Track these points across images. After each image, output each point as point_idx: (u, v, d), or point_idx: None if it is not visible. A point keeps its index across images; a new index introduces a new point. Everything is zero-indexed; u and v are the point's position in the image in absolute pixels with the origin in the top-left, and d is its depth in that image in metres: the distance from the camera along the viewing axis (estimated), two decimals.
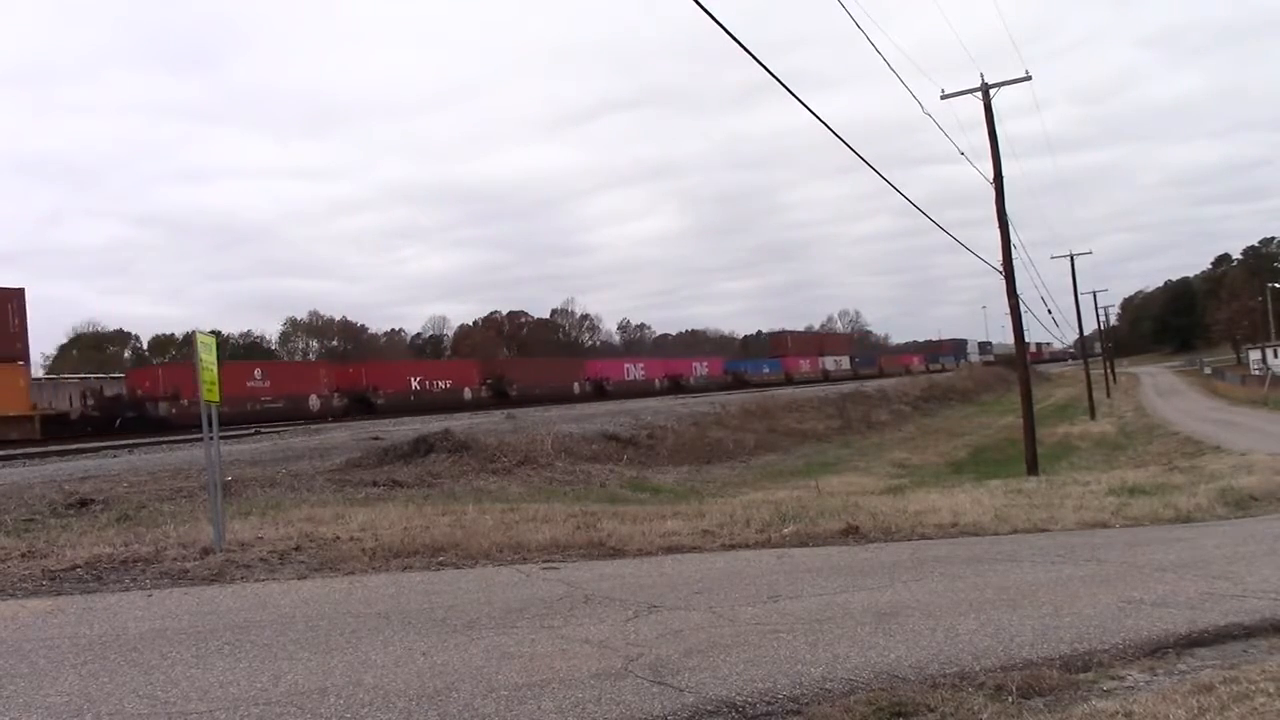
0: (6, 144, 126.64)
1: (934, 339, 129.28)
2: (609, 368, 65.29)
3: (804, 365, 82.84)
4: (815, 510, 10.99)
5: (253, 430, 31.99)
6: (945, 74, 74.65)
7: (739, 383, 71.27)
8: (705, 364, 75.06)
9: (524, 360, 75.38)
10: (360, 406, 44.31)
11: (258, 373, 42.39)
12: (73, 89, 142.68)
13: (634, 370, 66.17)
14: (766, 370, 78.65)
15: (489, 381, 52.68)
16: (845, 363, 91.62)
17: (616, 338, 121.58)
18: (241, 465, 17.81)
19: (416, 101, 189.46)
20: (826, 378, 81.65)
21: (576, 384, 58.42)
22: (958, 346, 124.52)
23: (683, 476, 23.92)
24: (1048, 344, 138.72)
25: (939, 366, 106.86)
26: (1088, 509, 11.20)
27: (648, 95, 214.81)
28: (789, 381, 74.06)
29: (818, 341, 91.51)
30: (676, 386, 66.22)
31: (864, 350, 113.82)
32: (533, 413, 37.23)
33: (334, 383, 44.88)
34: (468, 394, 50.09)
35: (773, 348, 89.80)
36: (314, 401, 42.90)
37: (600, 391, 58.73)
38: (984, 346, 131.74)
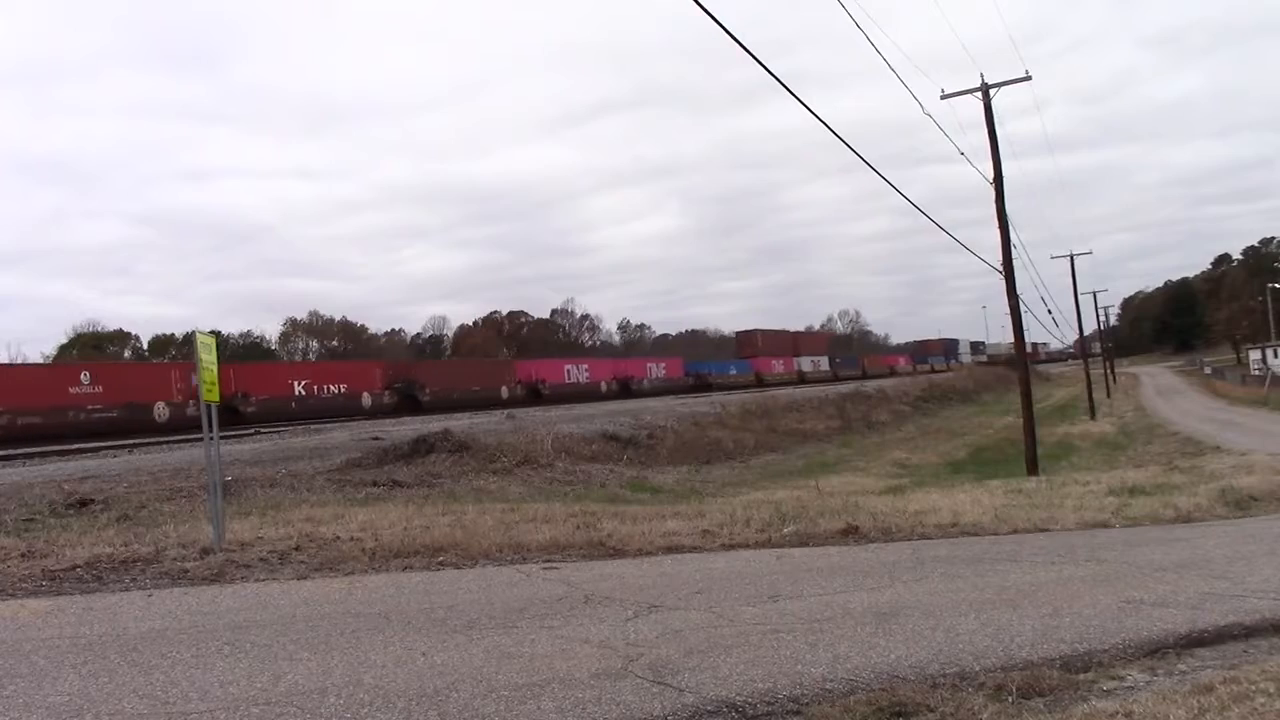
0: (7, 144, 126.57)
1: (920, 339, 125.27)
2: (545, 369, 58.94)
3: (777, 366, 77.50)
4: (815, 510, 10.98)
5: (253, 430, 31.97)
6: (945, 74, 74.78)
7: (701, 386, 66.31)
8: (662, 365, 69.65)
9: (438, 362, 69.66)
10: (224, 415, 36.62)
11: (85, 376, 34.76)
12: (73, 89, 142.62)
13: (576, 372, 59.92)
14: (733, 372, 73.43)
15: (396, 385, 46.81)
16: (824, 363, 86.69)
17: (616, 338, 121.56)
18: (241, 465, 17.82)
19: (417, 101, 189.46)
20: (802, 379, 76.75)
21: (505, 388, 52.34)
22: (948, 346, 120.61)
23: (683, 476, 23.92)
24: (1044, 344, 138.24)
25: (928, 367, 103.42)
26: (1088, 509, 11.19)
27: (648, 95, 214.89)
28: (759, 384, 68.99)
29: (792, 341, 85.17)
30: (626, 390, 60.63)
31: (845, 350, 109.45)
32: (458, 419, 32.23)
33: (189, 387, 36.58)
34: (366, 400, 43.95)
35: (741, 347, 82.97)
36: (161, 410, 36.90)
37: (534, 396, 53.24)
38: (977, 346, 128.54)
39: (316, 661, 5.02)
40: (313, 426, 34.38)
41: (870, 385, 59.51)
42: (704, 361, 78.62)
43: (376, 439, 23.02)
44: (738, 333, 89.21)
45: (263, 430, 32.03)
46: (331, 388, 43.59)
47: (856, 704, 4.20)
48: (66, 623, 6.08)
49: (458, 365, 58.62)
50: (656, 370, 67.58)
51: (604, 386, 59.77)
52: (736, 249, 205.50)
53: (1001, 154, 23.33)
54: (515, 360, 66.10)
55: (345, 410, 42.06)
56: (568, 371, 59.45)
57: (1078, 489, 13.71)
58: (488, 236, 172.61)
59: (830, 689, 4.42)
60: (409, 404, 45.70)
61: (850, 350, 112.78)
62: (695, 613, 5.99)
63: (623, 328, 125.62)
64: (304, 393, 41.51)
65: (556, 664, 4.87)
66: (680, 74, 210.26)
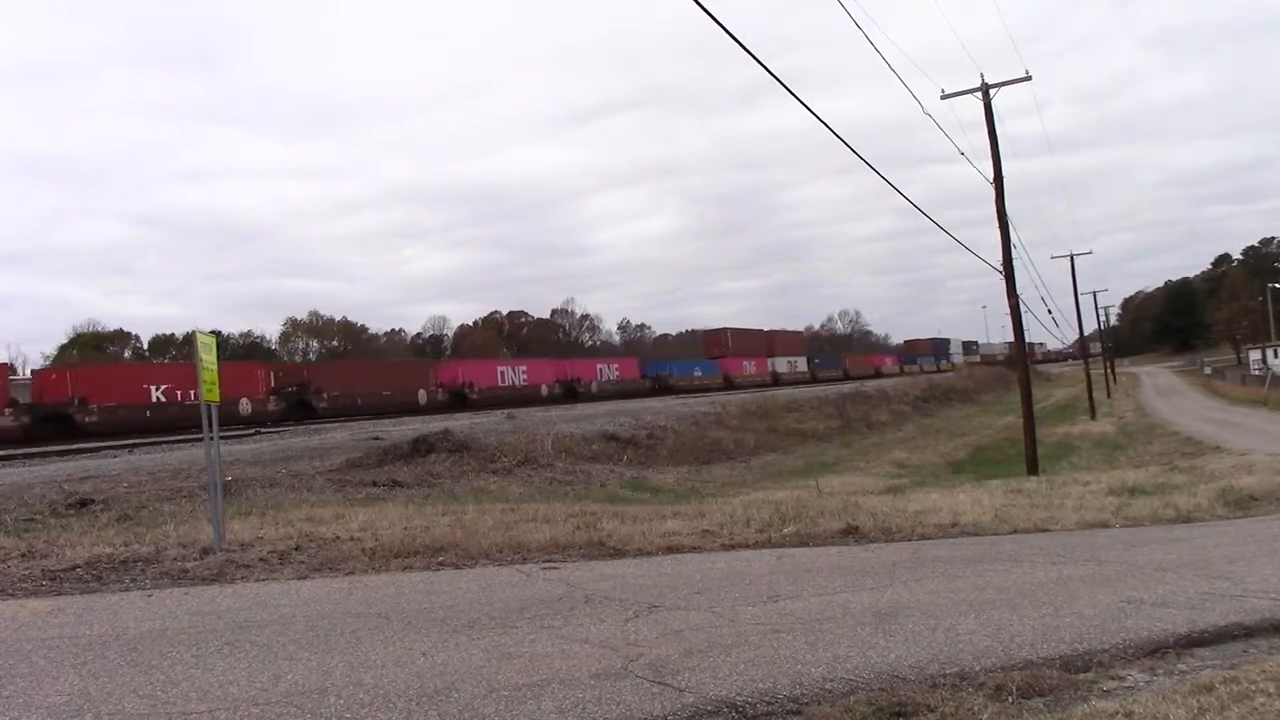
0: (8, 144, 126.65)
1: (916, 338, 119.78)
2: (473, 370, 53.20)
3: (748, 367, 72.58)
4: (815, 510, 10.98)
5: (253, 430, 31.95)
6: (945, 74, 74.74)
7: (660, 389, 61.26)
8: (614, 366, 63.86)
9: (339, 363, 63.75)
10: (56, 426, 31.85)
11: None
12: (74, 89, 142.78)
13: (511, 374, 54.55)
14: (698, 373, 67.97)
15: (287, 390, 41.06)
16: (801, 364, 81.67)
17: (617, 338, 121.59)
18: (241, 465, 17.81)
19: (418, 101, 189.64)
20: (776, 381, 71.71)
21: (423, 392, 47.14)
22: (939, 346, 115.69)
23: (683, 476, 23.92)
24: (1040, 344, 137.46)
25: (916, 368, 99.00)
26: (1088, 509, 11.19)
27: (649, 95, 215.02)
28: (728, 386, 65.08)
29: (766, 340, 79.46)
30: (571, 394, 55.49)
31: (824, 350, 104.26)
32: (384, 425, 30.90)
33: (5, 391, 33.44)
34: (245, 407, 37.93)
35: (709, 347, 77.10)
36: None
37: (460, 401, 48.09)
38: (969, 346, 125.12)
39: (316, 661, 5.02)
40: (312, 426, 34.30)
41: (870, 385, 59.49)
42: (666, 362, 73.53)
43: (377, 439, 23.03)
44: (705, 332, 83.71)
45: (262, 432, 31.95)
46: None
47: (856, 704, 4.20)
48: (66, 623, 6.08)
49: (364, 368, 53.15)
50: (608, 372, 62.13)
51: (545, 390, 54.65)
52: (737, 249, 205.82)
53: (1001, 154, 23.35)
54: (437, 361, 60.24)
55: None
56: (501, 374, 54.19)
57: (1078, 489, 13.71)
58: (488, 236, 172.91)
59: (830, 689, 4.42)
60: (300, 411, 40.34)
61: (834, 350, 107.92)
62: (695, 613, 5.99)
63: (623, 328, 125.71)
64: (164, 399, 35.96)
65: (556, 664, 4.87)
66: (681, 74, 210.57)
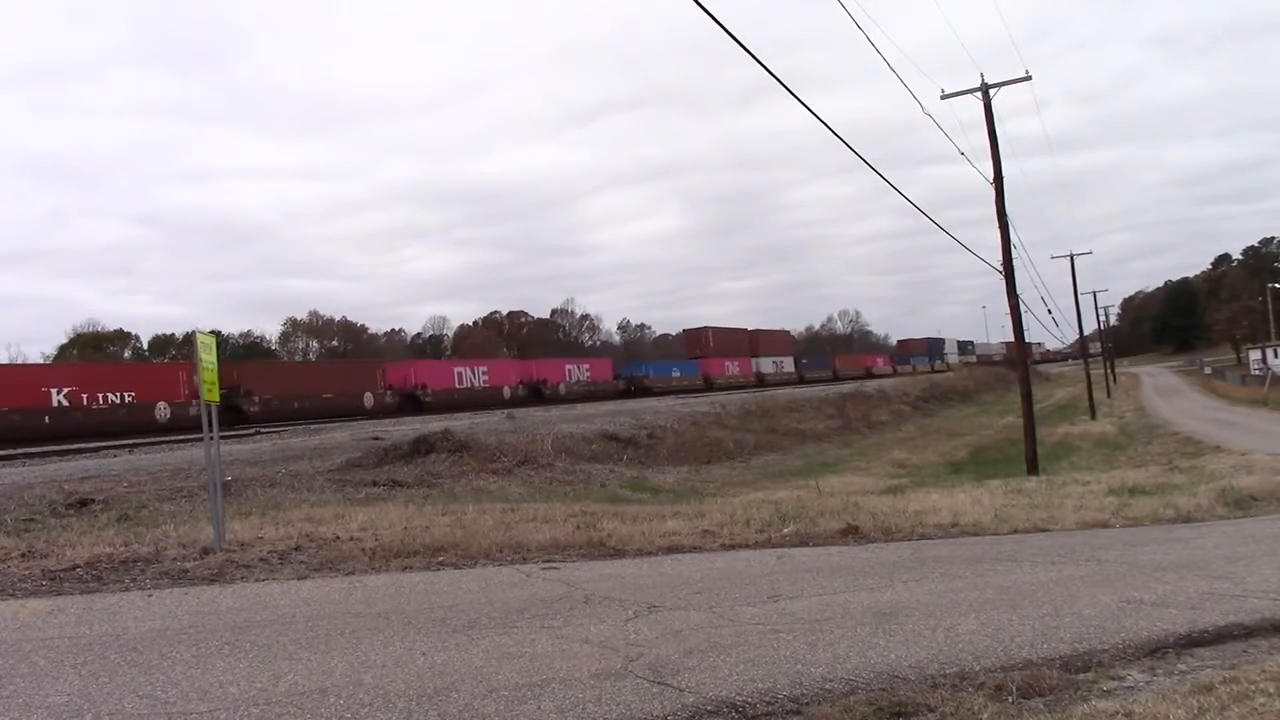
0: (9, 144, 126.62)
1: (915, 338, 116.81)
2: (427, 372, 50.12)
3: (730, 368, 70.26)
4: (815, 510, 10.98)
5: (253, 430, 31.94)
6: (945, 74, 74.79)
7: (636, 390, 59.16)
8: (585, 367, 60.91)
9: (275, 363, 59.77)
10: None
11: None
12: (75, 89, 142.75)
13: (469, 375, 51.20)
14: (677, 374, 65.50)
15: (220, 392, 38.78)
16: (788, 365, 79.29)
17: (617, 338, 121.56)
18: (241, 465, 17.81)
19: (418, 101, 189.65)
20: (761, 382, 69.64)
21: (369, 395, 43.75)
22: (933, 346, 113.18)
23: (683, 476, 23.93)
24: (1038, 344, 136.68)
25: (910, 369, 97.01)
26: (1088, 509, 11.19)
27: (649, 95, 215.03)
28: (708, 387, 62.94)
29: (750, 340, 76.54)
30: (537, 396, 53.00)
31: (812, 351, 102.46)
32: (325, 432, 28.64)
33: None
34: (162, 412, 34.85)
35: (689, 347, 74.25)
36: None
37: (412, 404, 45.62)
38: (965, 346, 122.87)
39: (316, 661, 5.02)
40: (312, 426, 34.32)
41: (870, 385, 59.48)
42: (642, 362, 71.15)
43: (377, 439, 23.03)
44: (685, 331, 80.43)
45: (262, 432, 31.95)
46: (112, 396, 34.27)
47: (856, 704, 4.19)
48: (66, 623, 6.08)
49: (301, 368, 49.88)
50: (577, 373, 58.98)
51: (507, 392, 51.61)
52: (737, 249, 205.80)
53: (1001, 154, 23.35)
54: (385, 361, 56.36)
55: (128, 427, 32.78)
56: (458, 375, 50.90)
57: (1078, 489, 13.71)
58: (488, 236, 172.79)
59: (830, 689, 4.42)
60: (227, 416, 34.67)
61: (832, 349, 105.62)
62: (695, 613, 5.99)
63: (623, 328, 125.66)
64: (66, 403, 32.74)
65: (556, 664, 4.87)
66: (681, 74, 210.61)
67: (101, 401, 34.23)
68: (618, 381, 61.61)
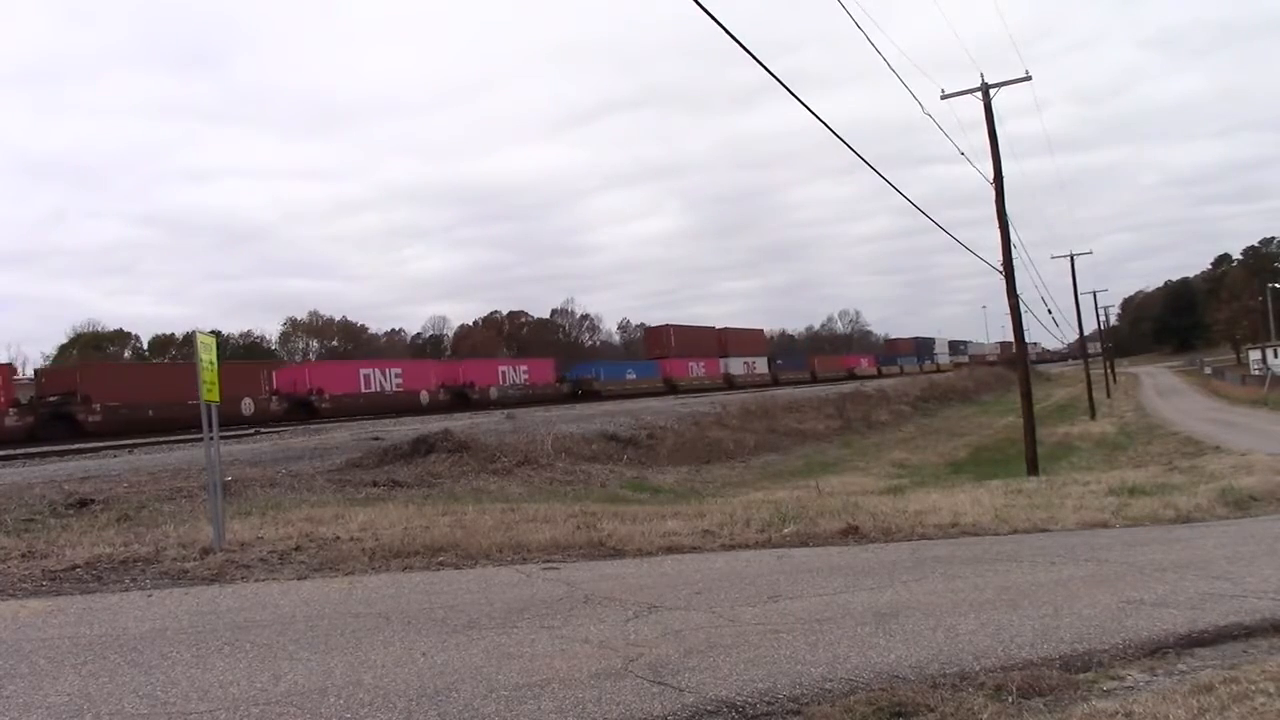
0: (11, 144, 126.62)
1: (913, 337, 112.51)
2: (324, 375, 44.58)
3: (696, 369, 65.78)
4: (815, 510, 10.98)
5: (252, 430, 31.95)
6: (945, 74, 74.74)
7: (584, 394, 54.83)
8: (523, 369, 55.84)
9: (124, 366, 53.05)
10: None
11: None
12: (76, 89, 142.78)
13: (379, 378, 46.49)
14: (632, 375, 60.66)
15: (50, 398, 34.02)
16: (761, 365, 74.83)
17: (617, 338, 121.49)
18: (241, 465, 17.81)
19: (418, 101, 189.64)
20: (730, 385, 65.66)
21: (249, 400, 38.55)
22: (922, 346, 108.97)
23: (683, 476, 23.92)
24: (1033, 344, 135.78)
25: (897, 369, 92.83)
26: (1088, 509, 11.18)
27: (650, 95, 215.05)
28: (670, 390, 58.63)
29: (718, 339, 71.82)
30: (463, 401, 48.15)
31: (788, 351, 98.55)
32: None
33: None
34: None
35: (649, 347, 69.52)
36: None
37: (305, 411, 40.83)
38: (956, 346, 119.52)
39: (316, 661, 5.02)
40: (312, 426, 34.25)
41: (870, 385, 59.46)
42: (593, 363, 65.68)
43: (377, 439, 23.04)
44: (645, 329, 76.88)
45: (262, 432, 31.96)
46: None
47: (856, 704, 4.20)
48: (66, 623, 6.08)
49: (159, 371, 43.77)
50: (514, 375, 54.22)
51: (425, 397, 47.26)
52: (737, 249, 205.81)
53: (1002, 154, 23.35)
54: (274, 363, 50.46)
55: None
56: (365, 378, 45.78)
57: (1078, 489, 13.70)
58: (489, 236, 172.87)
59: (830, 689, 4.42)
60: (59, 428, 32.57)
61: (796, 352, 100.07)
62: (695, 613, 5.99)
63: (623, 328, 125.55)
64: None
65: (556, 664, 4.87)
66: (681, 74, 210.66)
67: None
68: (561, 385, 56.84)
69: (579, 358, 79.43)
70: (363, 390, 45.11)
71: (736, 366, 70.86)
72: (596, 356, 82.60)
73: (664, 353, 65.63)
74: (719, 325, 74.76)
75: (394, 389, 46.75)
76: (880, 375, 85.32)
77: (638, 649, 5.12)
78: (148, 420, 34.52)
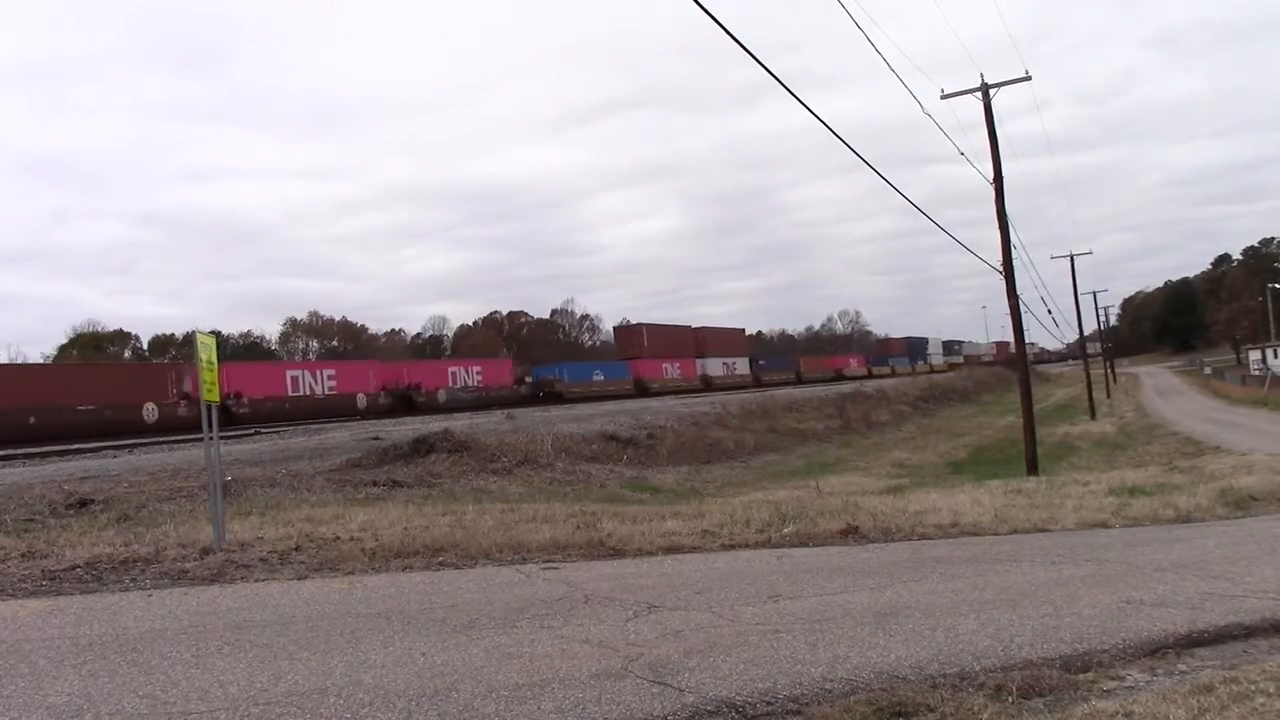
0: (10, 144, 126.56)
1: (883, 337, 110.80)
2: (246, 376, 39.53)
3: (670, 370, 62.61)
4: (815, 510, 10.98)
5: (252, 430, 31.94)
6: (945, 74, 74.72)
7: (546, 396, 51.65)
8: (476, 370, 51.69)
9: (11, 366, 44.57)
10: None
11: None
12: (76, 89, 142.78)
13: (309, 380, 41.93)
14: (599, 377, 57.35)
15: None
16: (741, 366, 71.40)
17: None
18: (241, 465, 17.80)
19: (419, 101, 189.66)
20: (708, 386, 62.93)
21: (151, 406, 35.13)
22: (914, 346, 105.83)
23: (683, 476, 23.92)
24: (1030, 344, 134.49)
25: (888, 370, 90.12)
26: (1088, 509, 11.19)
27: (651, 95, 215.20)
28: (641, 393, 55.41)
29: (695, 339, 68.19)
30: (407, 405, 44.58)
31: (771, 351, 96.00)
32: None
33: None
34: None
35: (621, 347, 66.11)
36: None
37: (220, 416, 29.16)
38: (950, 346, 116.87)
39: (316, 661, 5.02)
40: (312, 426, 34.26)
41: (870, 386, 59.47)
42: (557, 364, 61.66)
43: (377, 439, 23.03)
44: (615, 328, 72.85)
45: (262, 432, 31.92)
46: None
47: (856, 704, 4.19)
48: (66, 623, 6.08)
49: (48, 372, 39.76)
50: (465, 376, 50.16)
51: (363, 401, 43.23)
52: (738, 249, 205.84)
53: (1001, 154, 23.35)
54: (183, 363, 41.56)
55: None
56: (293, 380, 41.54)
57: (1078, 489, 13.71)
58: (489, 237, 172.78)
59: (830, 689, 4.42)
60: None
61: (779, 353, 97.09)
62: (695, 613, 5.99)
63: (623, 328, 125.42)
64: None
65: (556, 664, 4.87)
66: (682, 74, 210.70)
67: None
68: (519, 387, 53.38)
69: (576, 358, 78.25)
70: (289, 394, 40.80)
71: (715, 367, 67.78)
72: (596, 357, 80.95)
73: (636, 353, 62.62)
74: (696, 325, 72.04)
75: (326, 392, 42.48)
76: (870, 376, 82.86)
77: (638, 649, 5.12)
78: (26, 428, 30.72)
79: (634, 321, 77.75)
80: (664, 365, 63.09)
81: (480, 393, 49.52)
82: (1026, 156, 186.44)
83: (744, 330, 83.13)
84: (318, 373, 43.86)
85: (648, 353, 62.68)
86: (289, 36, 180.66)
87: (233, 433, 29.62)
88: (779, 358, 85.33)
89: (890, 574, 7.26)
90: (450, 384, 49.17)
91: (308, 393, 41.78)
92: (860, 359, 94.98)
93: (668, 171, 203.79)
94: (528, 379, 55.48)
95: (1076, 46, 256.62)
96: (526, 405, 46.89)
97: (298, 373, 43.17)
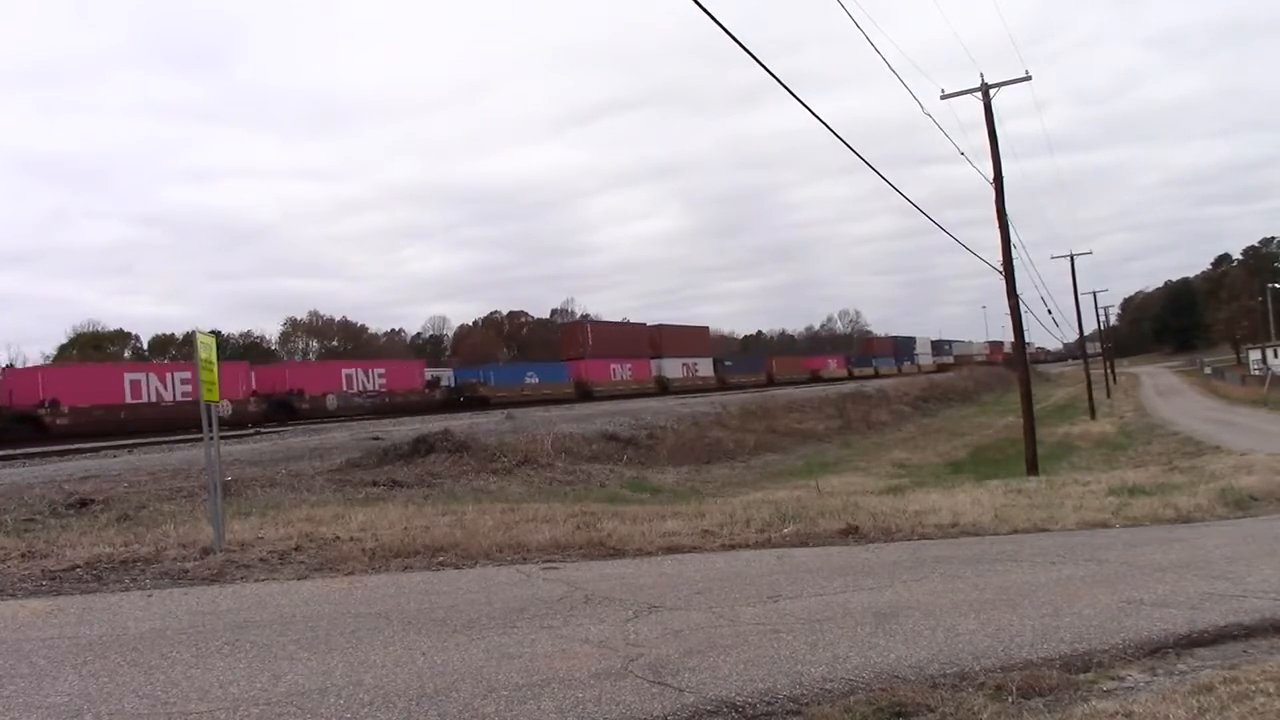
0: (11, 144, 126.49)
1: (871, 335, 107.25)
2: (70, 381, 34.62)
3: (619, 371, 57.55)
4: (815, 510, 10.98)
5: (252, 430, 31.93)
6: (945, 74, 74.68)
7: (469, 402, 46.97)
8: (380, 371, 46.29)
9: None
10: None
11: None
12: (77, 89, 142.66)
13: (153, 386, 36.15)
14: (532, 379, 52.52)
15: None
16: (703, 367, 66.01)
17: None
18: (241, 465, 17.81)
19: (419, 101, 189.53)
20: (663, 389, 57.97)
21: None
22: (901, 346, 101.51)
23: (683, 476, 23.92)
24: (1030, 344, 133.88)
25: (871, 371, 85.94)
26: (1088, 509, 11.18)
27: (651, 95, 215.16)
28: (582, 397, 50.84)
29: (650, 337, 62.46)
30: (287, 410, 39.94)
31: (737, 351, 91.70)
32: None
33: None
34: None
35: (563, 346, 60.98)
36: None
37: (28, 428, 31.41)
38: (939, 346, 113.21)
39: (316, 661, 5.02)
40: (313, 426, 34.27)
41: (870, 385, 59.50)
42: (482, 366, 56.34)
43: (377, 439, 23.04)
44: (561, 326, 68.08)
45: (262, 432, 31.89)
46: None
47: (856, 704, 4.20)
48: (66, 623, 6.08)
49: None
50: (364, 380, 44.65)
51: (227, 408, 33.97)
52: (738, 249, 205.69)
53: (1002, 154, 23.35)
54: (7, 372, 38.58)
55: None
56: (133, 385, 35.60)
57: (1078, 489, 13.70)
58: (489, 236, 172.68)
59: (830, 689, 4.42)
60: None
61: (749, 353, 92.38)
62: (695, 613, 5.99)
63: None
64: None
65: (556, 664, 4.87)
66: (682, 74, 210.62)
67: None
68: (433, 391, 47.98)
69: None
70: (127, 400, 35.04)
71: (673, 369, 62.44)
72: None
73: (579, 353, 57.14)
74: (651, 323, 67.47)
75: (178, 398, 36.15)
76: (851, 378, 78.51)
77: (638, 649, 5.12)
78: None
79: (634, 322, 75.37)
80: (612, 366, 57.96)
81: (381, 398, 44.55)
82: (1026, 156, 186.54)
83: (708, 329, 78.72)
84: (168, 377, 37.04)
85: (592, 352, 57.32)
86: (289, 36, 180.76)
87: (49, 448, 25.30)
88: (747, 358, 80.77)
89: (890, 574, 7.26)
90: (344, 388, 43.62)
91: (153, 399, 35.86)
92: (840, 360, 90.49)
93: (668, 171, 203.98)
94: (443, 382, 49.91)
95: (1077, 46, 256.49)
96: (436, 412, 42.31)
97: (139, 376, 36.68)
